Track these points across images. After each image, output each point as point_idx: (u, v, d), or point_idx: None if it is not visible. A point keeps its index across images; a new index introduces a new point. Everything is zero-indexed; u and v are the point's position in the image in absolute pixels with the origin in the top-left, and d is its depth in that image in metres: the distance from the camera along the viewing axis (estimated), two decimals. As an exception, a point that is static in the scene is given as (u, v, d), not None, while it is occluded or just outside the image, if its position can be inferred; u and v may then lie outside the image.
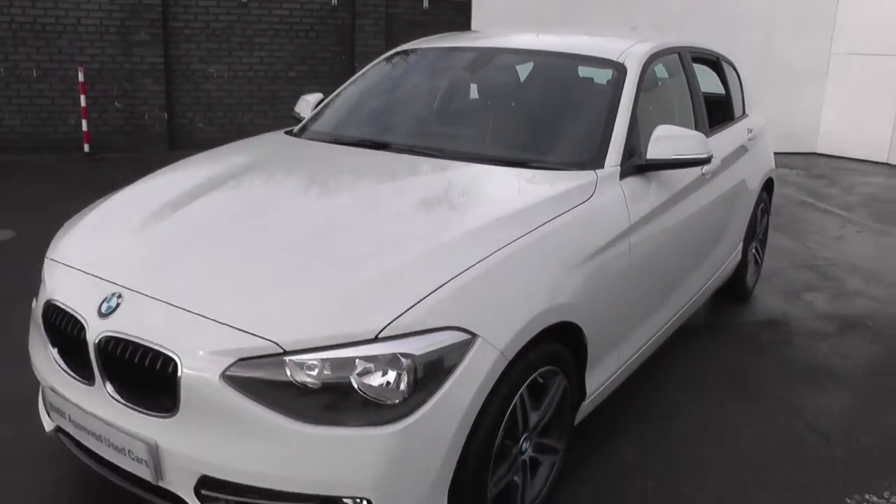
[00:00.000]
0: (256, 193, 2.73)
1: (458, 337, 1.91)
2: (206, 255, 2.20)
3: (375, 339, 1.83)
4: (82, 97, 8.11)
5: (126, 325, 1.98)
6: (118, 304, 2.03)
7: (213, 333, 1.87)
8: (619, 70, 3.13)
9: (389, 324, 1.84)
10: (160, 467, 1.94)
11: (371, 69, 3.82)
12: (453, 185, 2.62)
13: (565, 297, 2.26)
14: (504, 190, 2.59)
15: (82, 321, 2.05)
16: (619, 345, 2.75)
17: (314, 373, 1.83)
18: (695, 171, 3.27)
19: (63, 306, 2.15)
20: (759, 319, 4.34)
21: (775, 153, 4.82)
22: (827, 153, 10.29)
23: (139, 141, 8.62)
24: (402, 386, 1.83)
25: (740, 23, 9.41)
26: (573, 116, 3.07)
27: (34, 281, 2.50)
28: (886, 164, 9.72)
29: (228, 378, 1.83)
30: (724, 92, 4.42)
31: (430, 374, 1.86)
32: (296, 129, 3.58)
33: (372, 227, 2.30)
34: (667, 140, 2.84)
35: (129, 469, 2.02)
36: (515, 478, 2.25)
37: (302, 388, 1.82)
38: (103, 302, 2.05)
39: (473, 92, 3.52)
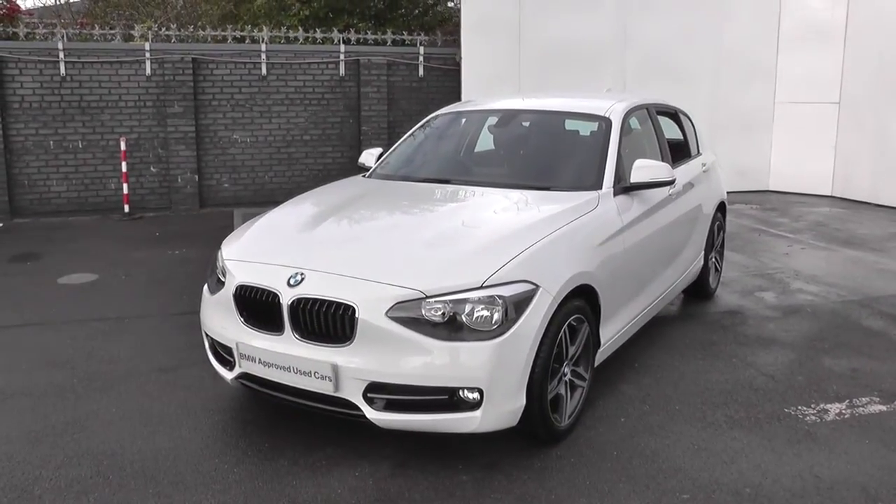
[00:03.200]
0: (376, 208, 3.91)
1: (528, 287, 3.06)
2: (356, 244, 3.36)
3: (481, 287, 2.97)
4: (123, 163, 9.21)
5: (312, 290, 3.08)
6: (302, 278, 3.13)
7: (378, 289, 2.99)
8: (607, 122, 4.38)
9: (489, 277, 3.00)
10: (339, 381, 3.01)
11: (418, 129, 5.01)
12: (509, 200, 3.81)
13: (588, 266, 3.43)
14: (542, 202, 3.78)
15: (276, 292, 3.14)
16: (619, 311, 3.91)
17: (440, 312, 2.94)
18: (663, 192, 4.48)
19: (257, 285, 3.23)
20: (721, 311, 5.53)
21: (732, 192, 6.04)
22: (778, 190, 11.61)
23: (173, 201, 9.72)
24: (498, 316, 2.95)
25: (691, 78, 10.72)
26: (578, 155, 4.30)
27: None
28: (831, 196, 11.09)
29: (390, 316, 2.94)
30: (682, 136, 5.69)
31: (514, 309, 2.98)
32: (367, 173, 4.75)
33: (467, 223, 3.50)
34: (644, 169, 4.06)
35: (311, 388, 3.08)
36: (561, 391, 3.36)
37: (439, 320, 2.93)
38: (290, 278, 3.15)
39: (503, 141, 4.75)
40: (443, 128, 4.96)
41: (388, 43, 10.83)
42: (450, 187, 4.14)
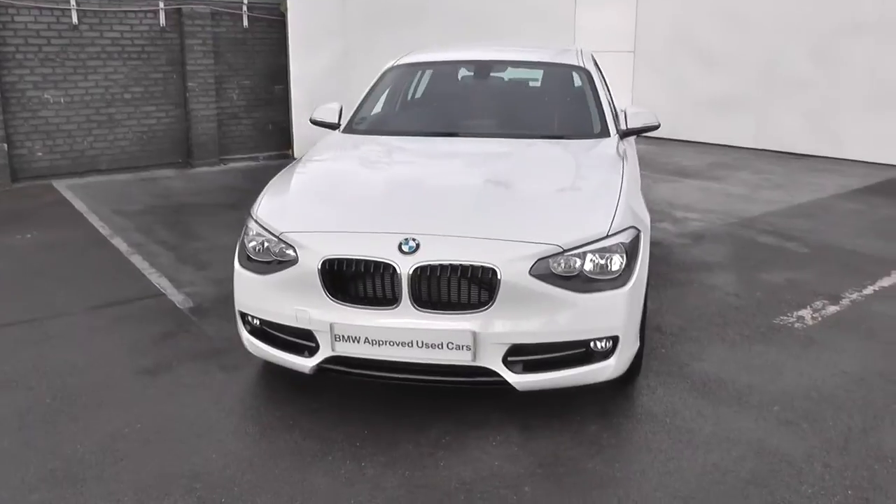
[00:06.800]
0: (429, 165, 3.79)
1: (636, 231, 3.15)
2: (456, 203, 3.20)
3: (608, 236, 3.00)
4: None
5: (439, 255, 2.86)
6: (418, 245, 2.90)
7: (519, 247, 2.89)
8: (587, 73, 4.53)
9: (611, 226, 3.03)
10: (477, 349, 2.87)
11: (383, 82, 4.71)
12: (554, 150, 3.82)
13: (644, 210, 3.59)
14: (583, 151, 3.85)
15: (391, 262, 2.88)
16: None
17: (572, 264, 2.93)
18: (631, 137, 4.77)
19: (362, 257, 2.92)
20: (644, 243, 6.05)
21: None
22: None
23: (-26, 176, 8.09)
24: (621, 263, 3.00)
25: (503, 32, 11.36)
26: (577, 105, 4.42)
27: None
28: (628, 134, 12.43)
29: (532, 273, 2.86)
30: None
31: (631, 254, 3.06)
32: (342, 129, 4.40)
33: (549, 176, 3.51)
34: (639, 115, 4.30)
35: (444, 360, 2.89)
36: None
37: (570, 273, 2.91)
38: (401, 245, 2.90)
39: (490, 92, 4.69)
40: (412, 80, 4.76)
41: (210, -10, 9.85)
42: (478, 140, 4.03)
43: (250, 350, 3.38)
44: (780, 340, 4.08)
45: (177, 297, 4.83)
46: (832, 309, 4.54)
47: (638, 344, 3.19)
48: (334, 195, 3.43)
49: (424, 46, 5.47)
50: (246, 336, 3.35)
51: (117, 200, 7.61)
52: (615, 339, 3.00)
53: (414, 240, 2.92)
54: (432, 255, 2.88)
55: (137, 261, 5.60)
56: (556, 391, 3.27)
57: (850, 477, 2.80)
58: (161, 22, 9.21)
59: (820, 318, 4.39)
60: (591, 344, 3.00)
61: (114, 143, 9.10)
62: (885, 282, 5.00)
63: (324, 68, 10.23)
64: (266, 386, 3.61)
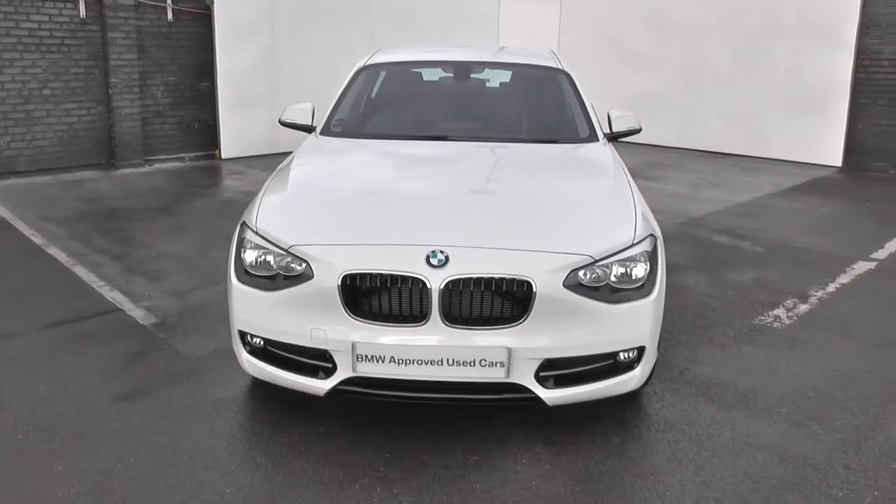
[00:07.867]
0: (432, 171, 3.65)
1: (654, 239, 3.12)
2: (476, 211, 3.09)
3: (632, 245, 2.96)
4: None
5: (472, 269, 2.73)
6: (447, 257, 2.76)
7: (552, 258, 2.80)
8: (569, 76, 4.50)
9: (635, 234, 2.99)
10: (511, 365, 2.77)
11: (358, 82, 4.51)
12: (555, 155, 3.76)
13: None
14: (583, 155, 3.80)
15: (420, 277, 2.73)
16: None
17: (600, 274, 2.87)
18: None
19: (388, 272, 2.75)
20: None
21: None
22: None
23: None
24: (644, 271, 2.96)
25: (430, 28, 11.37)
26: (562, 108, 4.38)
27: None
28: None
29: (565, 286, 2.77)
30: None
31: (651, 261, 3.02)
32: (319, 131, 4.19)
33: (565, 180, 3.51)
34: (622, 118, 4.30)
35: (476, 378, 2.77)
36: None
37: (597, 284, 2.85)
38: (429, 258, 2.75)
39: (471, 94, 4.57)
40: (387, 80, 4.59)
41: (132, -20, 9.28)
42: (469, 144, 3.92)
43: (251, 372, 3.15)
44: (765, 341, 4.18)
45: (136, 313, 4.49)
46: (804, 307, 4.70)
47: (657, 353, 3.16)
48: (341, 204, 3.24)
49: (400, 46, 5.32)
50: (246, 357, 3.12)
51: (43, 205, 7.07)
52: (641, 350, 2.96)
53: (442, 252, 2.78)
54: (463, 268, 2.75)
55: (82, 272, 5.19)
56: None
57: (872, 478, 2.87)
58: (81, 13, 8.61)
59: (795, 318, 4.53)
60: (619, 355, 2.95)
61: (32, 143, 8.45)
62: (844, 279, 5.23)
63: (252, 65, 9.89)
64: (261, 408, 3.38)
